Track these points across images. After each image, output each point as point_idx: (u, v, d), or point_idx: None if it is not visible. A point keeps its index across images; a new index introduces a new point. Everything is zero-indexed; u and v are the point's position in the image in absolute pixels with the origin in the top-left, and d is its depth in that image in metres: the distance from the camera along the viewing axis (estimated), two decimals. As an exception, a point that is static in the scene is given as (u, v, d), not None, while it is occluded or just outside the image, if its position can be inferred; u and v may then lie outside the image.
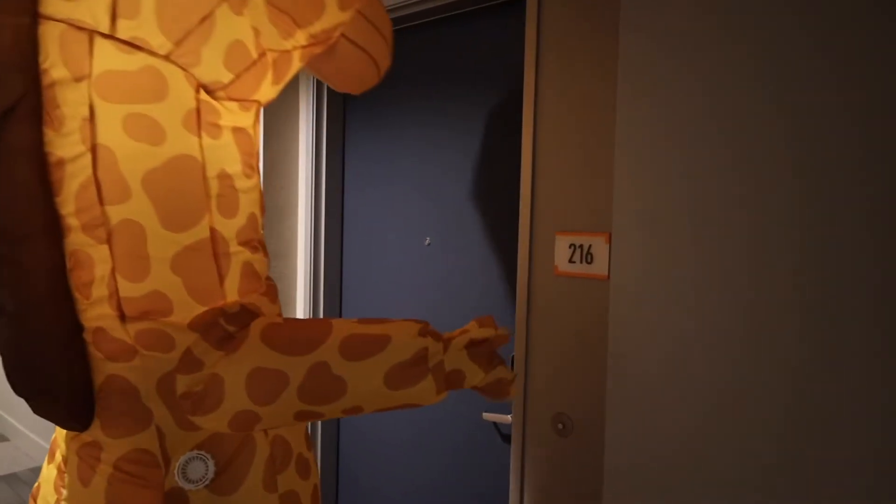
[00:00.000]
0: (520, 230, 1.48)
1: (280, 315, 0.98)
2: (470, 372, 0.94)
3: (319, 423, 2.04)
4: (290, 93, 2.02)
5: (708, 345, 1.01)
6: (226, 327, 0.84)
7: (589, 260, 1.36)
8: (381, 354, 0.86)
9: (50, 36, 0.76)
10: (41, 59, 0.76)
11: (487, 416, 1.65)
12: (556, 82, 1.42)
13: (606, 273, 1.34)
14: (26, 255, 0.78)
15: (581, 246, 1.38)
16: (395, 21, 1.82)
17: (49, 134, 0.78)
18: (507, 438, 1.68)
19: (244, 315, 0.87)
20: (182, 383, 0.81)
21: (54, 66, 0.77)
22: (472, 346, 0.94)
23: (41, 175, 0.78)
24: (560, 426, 1.42)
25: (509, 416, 1.61)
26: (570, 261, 1.39)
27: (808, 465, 0.93)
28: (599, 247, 1.35)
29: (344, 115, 2.05)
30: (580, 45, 1.39)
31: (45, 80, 0.77)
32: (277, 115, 2.03)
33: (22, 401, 4.00)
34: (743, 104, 0.97)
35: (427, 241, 1.83)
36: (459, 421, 1.77)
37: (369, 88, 1.22)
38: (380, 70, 1.16)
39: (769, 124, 0.95)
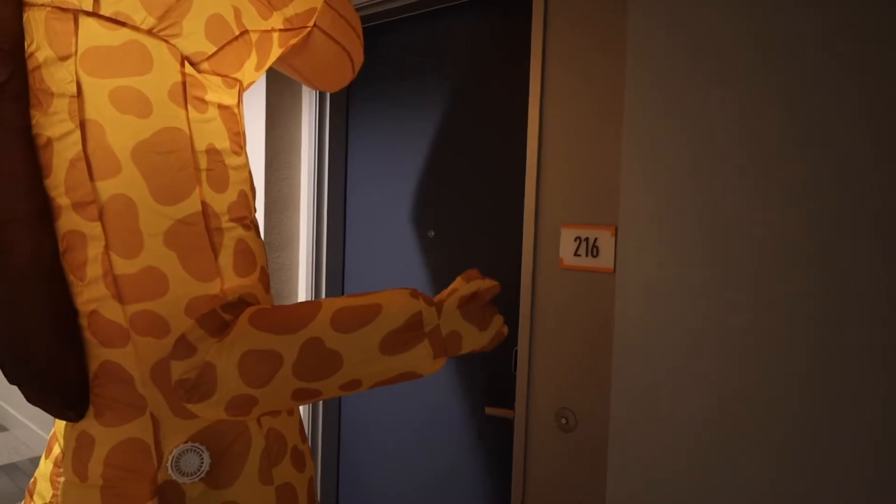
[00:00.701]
0: (524, 222, 1.46)
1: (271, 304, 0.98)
2: (467, 333, 0.93)
3: (320, 414, 2.03)
4: (292, 82, 2.01)
5: (716, 340, 1.00)
6: (222, 315, 0.84)
7: (595, 253, 1.35)
8: (374, 323, 0.86)
9: (34, 20, 0.78)
10: (26, 43, 0.78)
11: (490, 410, 1.64)
12: (564, 71, 1.41)
13: (612, 266, 1.33)
14: (18, 237, 0.78)
15: (587, 239, 1.37)
16: (398, 10, 1.81)
17: (36, 116, 0.79)
18: (510, 432, 1.67)
19: (241, 304, 0.87)
20: (177, 369, 0.81)
21: (40, 48, 0.78)
22: (464, 304, 0.93)
23: (29, 158, 0.78)
24: (563, 421, 1.41)
25: (512, 410, 1.60)
26: (576, 254, 1.38)
27: (813, 470, 0.92)
28: (605, 240, 1.34)
29: (347, 106, 2.04)
30: (588, 32, 1.37)
31: (31, 64, 0.78)
32: (280, 105, 2.01)
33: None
34: (756, 95, 0.95)
35: (431, 233, 1.81)
36: (461, 414, 1.76)
37: (344, 85, 1.25)
38: (354, 64, 1.19)
39: (782, 115, 0.93)
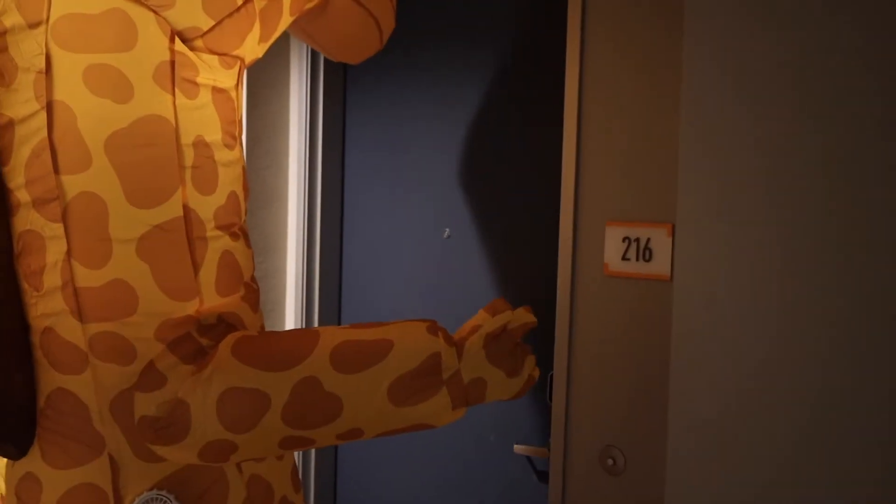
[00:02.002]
0: (561, 219, 1.47)
1: (262, 328, 0.99)
2: (493, 379, 0.93)
3: (312, 455, 2.05)
4: (277, 49, 2.03)
5: (797, 365, 1.00)
6: (198, 339, 0.85)
7: (647, 257, 1.35)
8: (383, 364, 0.86)
9: None
10: None
11: (519, 448, 1.65)
12: (607, 42, 1.41)
13: (669, 273, 1.33)
14: None
15: (637, 239, 1.37)
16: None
17: None
18: (543, 476, 1.67)
19: (221, 327, 0.88)
20: (142, 403, 0.82)
21: (6, 11, 0.79)
22: (490, 344, 0.93)
23: None
24: (610, 462, 1.41)
25: (547, 448, 1.61)
26: (624, 257, 1.38)
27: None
28: (660, 240, 1.34)
29: (345, 80, 2.05)
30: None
31: None
32: (262, 77, 2.03)
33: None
34: (835, 77, 0.95)
35: (446, 234, 1.82)
36: (485, 454, 1.77)
37: (369, 56, 1.24)
38: (382, 33, 1.18)
39: (862, 98, 0.93)
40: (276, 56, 2.02)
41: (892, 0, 0.92)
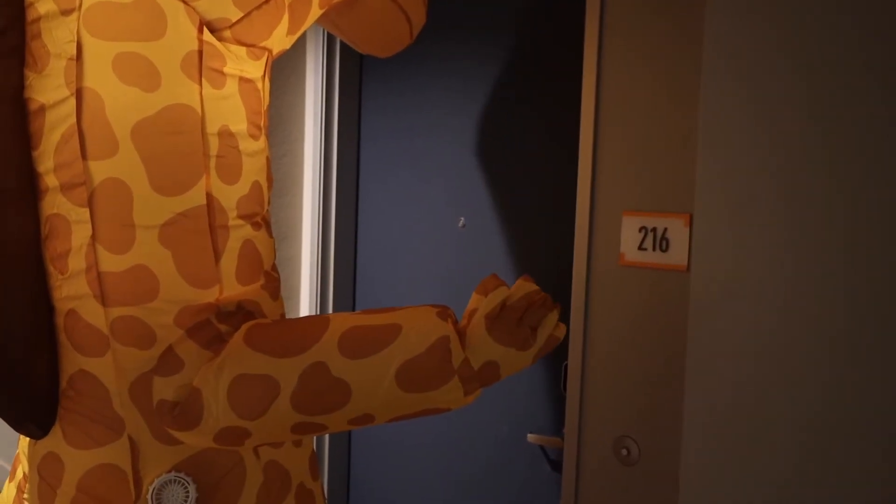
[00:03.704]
0: (577, 209, 1.47)
1: (282, 315, 1.00)
2: (505, 358, 0.91)
3: (326, 442, 2.07)
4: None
5: (814, 358, 1.00)
6: (217, 326, 0.87)
7: (664, 247, 1.35)
8: (390, 348, 0.86)
9: None
10: None
11: (533, 437, 1.66)
12: (625, 28, 1.41)
13: (686, 264, 1.32)
14: None
15: (654, 229, 1.37)
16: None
17: (30, 76, 0.82)
18: (557, 466, 1.68)
19: (240, 314, 0.90)
20: (160, 387, 0.84)
21: None
22: (493, 324, 0.91)
23: (19, 124, 0.82)
24: (624, 452, 1.42)
25: (561, 438, 1.61)
26: (641, 247, 1.38)
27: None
28: (678, 230, 1.34)
29: (360, 69, 2.06)
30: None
31: (30, 15, 0.81)
32: (278, 65, 2.04)
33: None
34: (854, 74, 0.95)
35: (461, 223, 1.83)
36: (499, 443, 1.78)
37: (399, 50, 1.23)
38: (412, 26, 1.18)
39: (879, 98, 0.92)
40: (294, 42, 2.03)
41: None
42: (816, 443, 1.00)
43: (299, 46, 2.05)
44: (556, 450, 1.67)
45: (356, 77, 2.07)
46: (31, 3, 0.81)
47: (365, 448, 2.09)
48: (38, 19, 0.81)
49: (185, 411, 0.83)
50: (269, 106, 1.95)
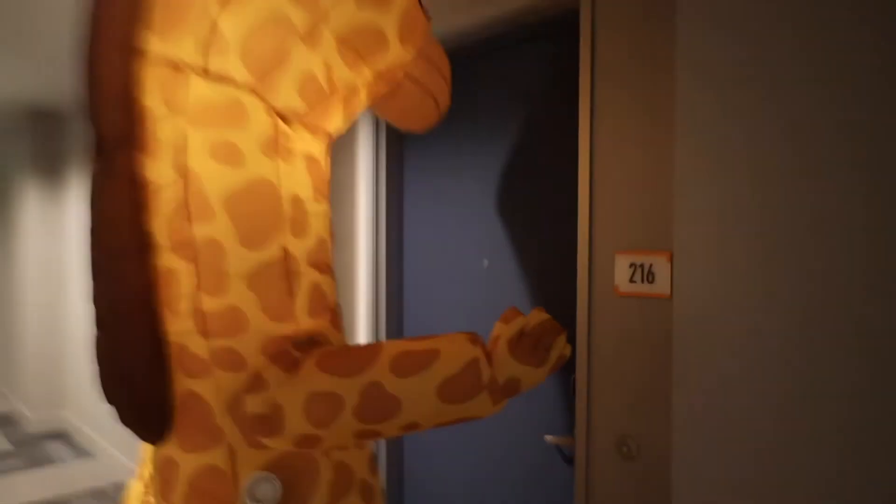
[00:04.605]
0: (578, 250, 1.47)
1: (344, 343, 1.01)
2: (524, 375, 0.92)
3: (383, 443, 2.05)
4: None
5: (777, 366, 0.98)
6: (293, 353, 0.88)
7: (651, 279, 1.34)
8: (431, 369, 0.86)
9: (152, 76, 0.85)
10: (144, 95, 0.85)
11: (549, 437, 1.63)
12: (613, 100, 1.42)
13: (669, 292, 1.31)
14: (124, 270, 0.85)
15: (642, 265, 1.36)
16: (447, 52, 1.87)
17: (148, 162, 0.86)
18: (569, 461, 1.65)
19: (311, 343, 0.91)
20: (249, 403, 0.85)
21: (154, 101, 0.85)
22: (514, 347, 0.92)
23: (140, 199, 0.85)
24: (625, 449, 1.38)
25: (572, 437, 1.58)
26: (631, 280, 1.37)
27: (887, 492, 0.87)
28: (661, 265, 1.33)
29: (402, 144, 2.10)
30: (636, 57, 1.38)
31: (147, 115, 0.85)
32: (336, 144, 2.10)
33: (106, 418, 4.22)
34: (809, 115, 0.94)
35: (485, 263, 1.84)
36: (520, 442, 1.75)
37: (430, 127, 1.25)
38: (440, 108, 1.20)
39: (838, 129, 0.91)
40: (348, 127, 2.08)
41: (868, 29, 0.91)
42: (779, 435, 0.97)
43: (352, 131, 2.10)
44: (569, 447, 1.64)
45: (398, 150, 2.11)
46: (148, 105, 0.85)
47: (415, 449, 2.07)
48: (153, 117, 0.85)
49: (271, 422, 0.84)
50: (331, 176, 2.00)
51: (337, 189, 2.12)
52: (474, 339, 0.91)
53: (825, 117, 0.93)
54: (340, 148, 2.12)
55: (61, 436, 4.75)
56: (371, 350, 0.89)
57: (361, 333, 2.08)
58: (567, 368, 1.59)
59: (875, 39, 0.88)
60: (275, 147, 0.88)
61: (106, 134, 0.84)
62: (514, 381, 0.92)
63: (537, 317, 0.95)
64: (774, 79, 0.97)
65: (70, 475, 3.98)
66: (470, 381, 0.87)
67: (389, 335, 2.07)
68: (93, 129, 0.86)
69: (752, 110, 1.00)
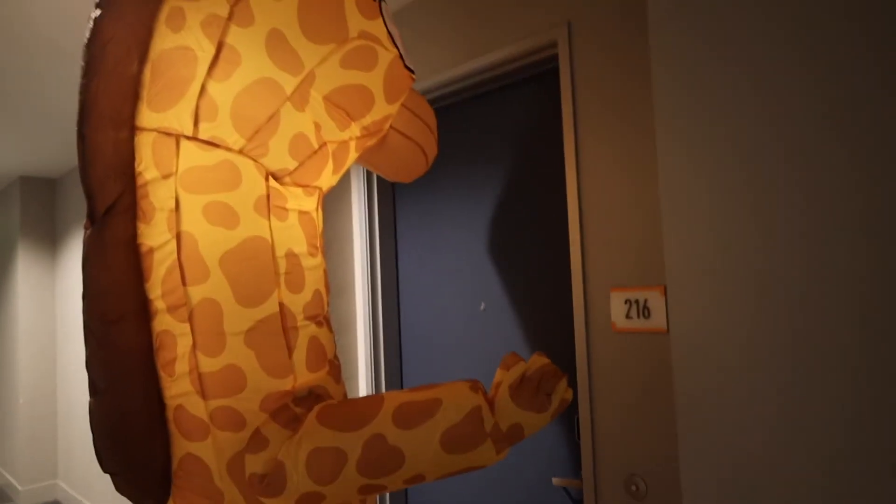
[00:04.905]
0: (573, 289, 1.48)
1: (345, 395, 1.01)
2: (527, 421, 0.91)
3: (388, 496, 2.01)
4: (343, 177, 2.12)
5: (779, 395, 0.98)
6: (294, 409, 0.87)
7: (646, 314, 1.35)
8: (434, 419, 0.86)
9: (144, 143, 0.87)
10: (136, 163, 0.87)
11: (557, 480, 1.60)
12: (596, 140, 1.46)
13: (665, 327, 1.32)
14: (120, 336, 0.85)
15: (637, 301, 1.37)
16: (433, 101, 1.92)
17: (141, 227, 0.87)
18: (579, 503, 1.62)
19: (311, 398, 0.90)
20: (250, 463, 0.84)
21: (147, 168, 0.86)
22: (515, 393, 0.91)
23: (134, 264, 0.86)
24: (634, 488, 1.36)
25: (580, 480, 1.56)
26: (627, 316, 1.38)
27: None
28: (656, 300, 1.34)
29: (394, 194, 2.13)
30: (616, 101, 1.42)
31: (139, 181, 0.87)
32: (330, 197, 2.13)
33: (100, 484, 4.10)
34: (802, 140, 0.97)
35: (482, 307, 1.84)
36: (528, 486, 1.72)
37: (418, 177, 1.28)
38: (427, 158, 1.23)
39: (829, 169, 0.94)
40: (341, 179, 2.12)
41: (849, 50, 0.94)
42: (793, 466, 0.96)
43: (345, 181, 2.13)
44: (577, 490, 1.61)
45: (390, 200, 2.14)
46: (140, 173, 0.86)
47: (420, 497, 2.02)
48: (146, 183, 0.86)
49: (272, 481, 0.83)
50: (324, 229, 2.02)
51: (333, 239, 2.14)
52: (475, 386, 0.91)
53: (814, 153, 0.95)
54: (334, 198, 2.15)
55: (56, 507, 4.61)
56: (372, 402, 0.89)
57: (362, 382, 2.06)
58: (571, 409, 1.58)
59: (872, 86, 0.91)
60: (267, 205, 0.89)
61: (99, 201, 0.85)
62: (517, 428, 0.91)
63: (538, 362, 0.95)
64: (754, 107, 1.01)
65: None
66: (473, 430, 0.87)
67: (389, 382, 2.05)
68: (87, 197, 0.87)
69: (733, 148, 1.03)
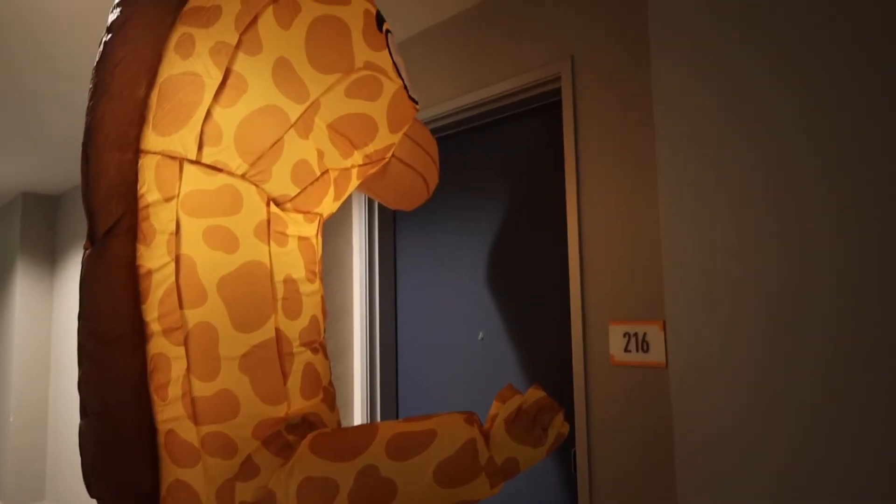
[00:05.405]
0: (572, 321, 1.47)
1: (339, 423, 1.00)
2: (522, 455, 0.91)
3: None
4: (342, 204, 2.13)
5: (780, 430, 0.97)
6: (286, 437, 0.87)
7: (645, 348, 1.34)
8: (428, 451, 0.85)
9: (147, 166, 0.87)
10: (139, 185, 0.87)
11: (553, 517, 1.57)
12: (597, 173, 1.47)
13: (665, 361, 1.31)
14: (115, 357, 0.84)
15: (636, 334, 1.36)
16: (435, 131, 1.94)
17: (140, 249, 0.87)
18: (575, 542, 1.59)
19: (304, 425, 0.90)
20: (241, 491, 0.83)
21: (150, 191, 0.87)
22: (511, 426, 0.91)
23: (132, 285, 0.86)
24: (631, 526, 1.34)
25: (576, 516, 1.53)
26: (626, 349, 1.37)
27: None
28: (655, 334, 1.33)
29: (394, 221, 2.14)
30: (617, 134, 1.44)
31: (141, 203, 0.87)
32: (331, 223, 2.14)
33: (87, 513, 4.03)
34: (789, 178, 0.98)
35: (480, 336, 1.83)
36: (523, 523, 1.69)
37: (419, 205, 1.29)
38: (429, 186, 1.24)
39: (818, 183, 0.95)
40: (342, 206, 2.13)
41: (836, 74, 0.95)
42: (793, 500, 0.95)
43: (346, 208, 2.14)
44: (574, 526, 1.58)
45: (391, 227, 2.14)
46: (143, 195, 0.87)
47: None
48: (148, 206, 0.86)
49: None
50: (324, 255, 2.02)
51: (332, 265, 2.14)
52: (470, 418, 0.90)
53: (805, 194, 0.96)
54: (335, 223, 2.16)
55: (40, 530, 4.53)
56: (366, 431, 0.88)
57: (357, 409, 2.04)
58: (567, 443, 1.56)
59: (869, 117, 0.93)
60: (268, 230, 0.90)
61: (101, 222, 0.86)
62: (512, 462, 0.90)
63: (534, 395, 0.95)
64: (753, 144, 1.02)
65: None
66: (467, 463, 0.85)
67: (385, 410, 2.03)
68: (88, 216, 0.87)
69: (732, 183, 1.04)
